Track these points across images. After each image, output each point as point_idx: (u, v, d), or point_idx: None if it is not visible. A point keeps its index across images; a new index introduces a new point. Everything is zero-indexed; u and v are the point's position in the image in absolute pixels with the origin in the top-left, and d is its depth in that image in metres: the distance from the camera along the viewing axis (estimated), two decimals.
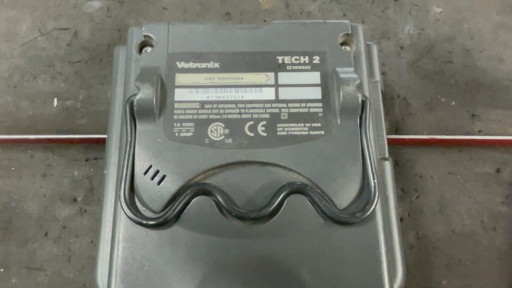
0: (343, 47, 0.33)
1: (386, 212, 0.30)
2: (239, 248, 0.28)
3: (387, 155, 0.32)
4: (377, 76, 0.34)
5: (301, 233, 0.28)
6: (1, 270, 0.39)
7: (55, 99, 0.44)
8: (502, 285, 0.39)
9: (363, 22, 0.46)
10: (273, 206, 0.28)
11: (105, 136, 0.39)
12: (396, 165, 0.41)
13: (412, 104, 0.43)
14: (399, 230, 0.30)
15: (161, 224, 0.28)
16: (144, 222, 0.28)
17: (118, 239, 0.29)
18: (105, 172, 0.32)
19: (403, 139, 0.41)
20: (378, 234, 0.29)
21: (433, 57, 0.45)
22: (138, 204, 0.29)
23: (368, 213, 0.28)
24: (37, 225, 0.41)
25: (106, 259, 0.30)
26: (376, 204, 0.28)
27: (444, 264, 0.39)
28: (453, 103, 0.43)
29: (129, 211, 0.28)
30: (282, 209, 0.29)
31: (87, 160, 0.42)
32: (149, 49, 0.33)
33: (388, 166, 0.31)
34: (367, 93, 0.32)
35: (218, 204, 0.29)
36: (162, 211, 0.29)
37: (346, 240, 0.28)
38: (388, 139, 0.39)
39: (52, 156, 0.42)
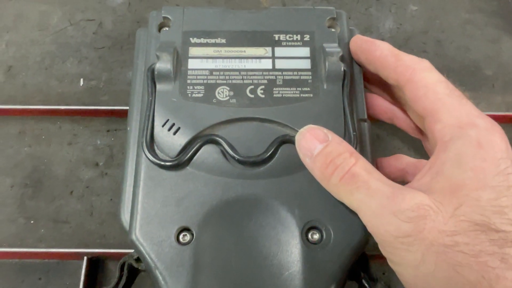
0: (329, 29, 0.37)
1: None
2: (240, 187, 0.32)
3: (365, 117, 0.36)
4: None
5: (292, 175, 0.32)
6: (32, 222, 0.43)
7: (81, 79, 0.48)
8: None
9: (349, 18, 0.50)
10: (269, 153, 0.32)
11: (124, 107, 0.44)
12: (377, 138, 0.46)
13: None
14: None
15: (176, 166, 0.33)
16: (162, 163, 0.33)
17: (140, 179, 0.33)
18: (128, 129, 0.36)
19: None
20: None
21: (410, 47, 0.49)
22: (157, 150, 0.34)
23: None
24: (63, 185, 0.45)
25: (129, 199, 0.34)
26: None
27: None
28: None
29: (150, 155, 0.33)
30: (276, 155, 0.33)
31: (108, 131, 0.47)
32: (166, 28, 0.37)
33: (366, 126, 0.36)
34: (349, 65, 0.36)
35: (223, 151, 0.33)
36: (176, 156, 0.33)
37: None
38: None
39: (77, 127, 0.47)
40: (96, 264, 0.42)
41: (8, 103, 0.47)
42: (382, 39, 0.49)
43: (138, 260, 0.34)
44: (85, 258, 0.41)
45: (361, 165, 0.27)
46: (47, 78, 0.48)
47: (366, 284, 0.32)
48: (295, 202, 0.32)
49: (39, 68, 0.49)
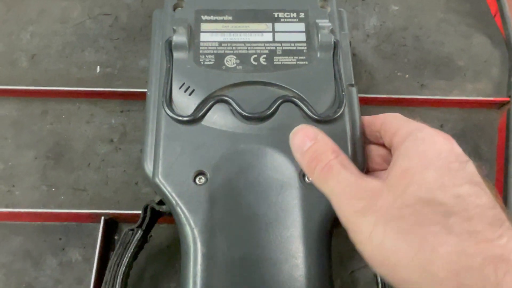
0: (321, 8, 0.43)
1: (352, 121, 0.39)
2: (246, 139, 0.37)
3: (353, 82, 0.41)
4: (346, 30, 0.44)
5: (290, 128, 0.37)
6: (53, 189, 0.48)
7: (98, 67, 0.54)
8: None
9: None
10: (271, 110, 0.37)
11: (136, 90, 0.49)
12: None
13: (376, 77, 0.54)
14: (361, 136, 0.39)
15: (191, 121, 0.38)
16: (180, 118, 0.38)
17: (161, 133, 0.38)
18: (148, 93, 0.41)
19: (367, 98, 0.51)
20: (346, 129, 0.38)
21: (391, 42, 0.56)
22: (174, 108, 0.39)
23: (338, 114, 0.37)
24: (82, 158, 0.49)
25: (151, 150, 0.38)
26: (344, 108, 0.38)
27: None
28: (407, 76, 0.54)
29: (169, 111, 0.38)
30: (277, 112, 0.38)
31: (122, 111, 0.52)
32: (180, 8, 0.43)
33: (354, 90, 0.41)
34: (338, 38, 0.42)
35: (231, 109, 0.38)
36: (192, 113, 0.38)
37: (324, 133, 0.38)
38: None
39: (94, 108, 0.52)
40: (111, 226, 0.46)
41: (33, 86, 0.52)
42: (367, 35, 0.55)
43: (159, 203, 0.39)
44: (102, 218, 0.45)
45: (338, 160, 0.31)
46: (68, 65, 0.54)
47: None
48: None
49: (60, 56, 0.54)
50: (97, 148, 0.50)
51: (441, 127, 0.51)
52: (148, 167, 0.38)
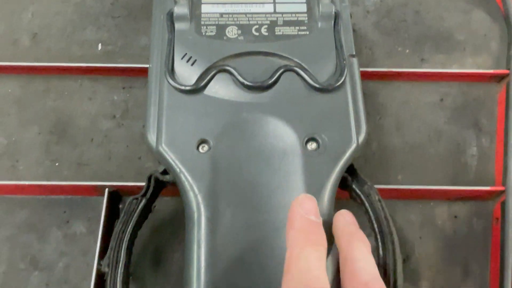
0: None
1: (353, 90, 0.40)
2: (248, 107, 0.38)
3: (354, 53, 0.42)
4: (346, 2, 0.44)
5: (292, 97, 0.38)
6: (57, 164, 0.48)
7: (99, 44, 0.54)
8: (443, 180, 0.49)
9: None
10: (273, 79, 0.38)
11: (137, 65, 0.50)
12: (364, 94, 0.52)
13: (376, 53, 0.54)
14: (363, 104, 0.40)
15: (194, 91, 0.38)
16: (183, 88, 0.38)
17: (164, 103, 0.38)
18: (150, 66, 0.42)
19: (368, 72, 0.51)
20: (347, 98, 0.38)
21: (392, 18, 0.56)
22: (177, 79, 0.39)
23: (340, 82, 0.38)
24: (84, 134, 0.50)
25: (154, 121, 0.39)
26: (345, 77, 0.39)
27: (400, 165, 0.49)
28: (407, 51, 0.54)
29: (172, 81, 0.39)
30: (279, 81, 0.38)
31: (123, 88, 0.52)
32: None
33: (355, 61, 0.41)
34: (339, 9, 0.42)
35: (233, 79, 0.39)
36: (194, 83, 0.39)
37: (325, 102, 0.38)
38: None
39: (96, 85, 0.52)
40: (115, 199, 0.47)
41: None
42: (367, 11, 0.56)
43: (163, 173, 0.39)
44: (107, 190, 0.45)
45: None
46: (69, 43, 0.54)
47: (355, 187, 0.38)
48: (296, 118, 0.38)
49: (61, 35, 0.54)
50: (99, 124, 0.51)
51: (441, 101, 0.52)
52: (152, 137, 0.39)
